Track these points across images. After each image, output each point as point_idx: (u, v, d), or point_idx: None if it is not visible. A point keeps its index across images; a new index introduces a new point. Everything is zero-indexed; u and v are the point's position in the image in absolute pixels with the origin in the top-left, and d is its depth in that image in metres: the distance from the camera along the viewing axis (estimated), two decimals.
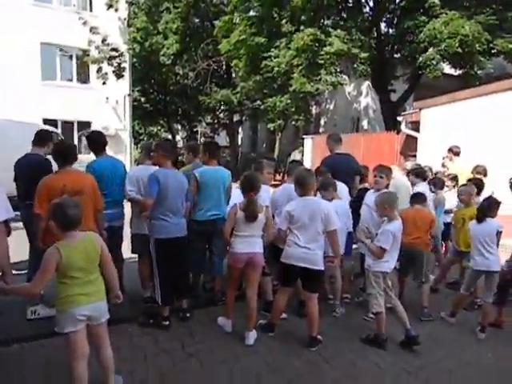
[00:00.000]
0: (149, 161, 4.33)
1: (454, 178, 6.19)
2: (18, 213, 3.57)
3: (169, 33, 18.89)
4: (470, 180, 5.47)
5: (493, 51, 11.50)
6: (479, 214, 4.12)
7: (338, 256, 3.84)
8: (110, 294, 2.74)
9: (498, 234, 4.15)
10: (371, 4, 14.03)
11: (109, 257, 2.70)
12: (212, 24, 18.84)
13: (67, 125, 16.31)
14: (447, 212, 5.77)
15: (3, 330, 3.69)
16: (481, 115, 8.75)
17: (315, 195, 3.96)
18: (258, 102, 17.80)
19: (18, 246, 3.64)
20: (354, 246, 4.85)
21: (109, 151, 4.52)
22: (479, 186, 5.23)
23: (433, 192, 5.53)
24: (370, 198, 4.43)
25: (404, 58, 13.29)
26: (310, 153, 15.98)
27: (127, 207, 4.45)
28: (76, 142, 15.63)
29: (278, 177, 13.39)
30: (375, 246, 3.69)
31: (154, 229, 3.82)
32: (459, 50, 10.62)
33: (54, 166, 3.89)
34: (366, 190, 5.03)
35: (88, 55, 16.32)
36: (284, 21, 13.57)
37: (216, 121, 25.33)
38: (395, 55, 13.92)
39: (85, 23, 15.61)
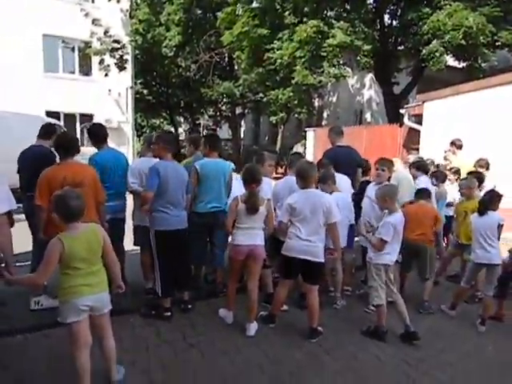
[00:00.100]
0: (150, 153, 4.34)
1: (457, 172, 6.19)
2: (20, 205, 3.59)
3: (171, 24, 18.77)
4: (470, 173, 5.46)
5: (497, 43, 11.36)
6: (481, 207, 4.13)
7: (338, 249, 3.84)
8: (112, 284, 2.76)
9: (500, 227, 4.16)
10: None
11: (111, 247, 2.72)
12: (214, 15, 18.65)
13: (69, 117, 16.30)
14: (449, 205, 5.77)
15: (7, 321, 3.74)
16: (485, 108, 8.67)
17: (317, 188, 3.96)
18: (261, 95, 17.73)
19: (21, 238, 3.66)
20: (356, 239, 4.85)
21: (111, 144, 4.54)
22: (479, 179, 5.22)
23: (435, 185, 5.52)
24: (372, 190, 4.42)
25: (407, 50, 13.16)
26: (312, 146, 15.89)
27: (129, 199, 4.48)
28: (78, 134, 15.63)
29: (281, 170, 13.35)
30: (376, 238, 3.69)
31: (154, 221, 3.82)
32: (463, 42, 10.49)
33: None
34: (368, 182, 5.03)
35: (90, 47, 16.23)
36: (287, 12, 13.45)
37: (218, 113, 25.24)
38: (398, 47, 13.78)
39: (87, 15, 15.50)
